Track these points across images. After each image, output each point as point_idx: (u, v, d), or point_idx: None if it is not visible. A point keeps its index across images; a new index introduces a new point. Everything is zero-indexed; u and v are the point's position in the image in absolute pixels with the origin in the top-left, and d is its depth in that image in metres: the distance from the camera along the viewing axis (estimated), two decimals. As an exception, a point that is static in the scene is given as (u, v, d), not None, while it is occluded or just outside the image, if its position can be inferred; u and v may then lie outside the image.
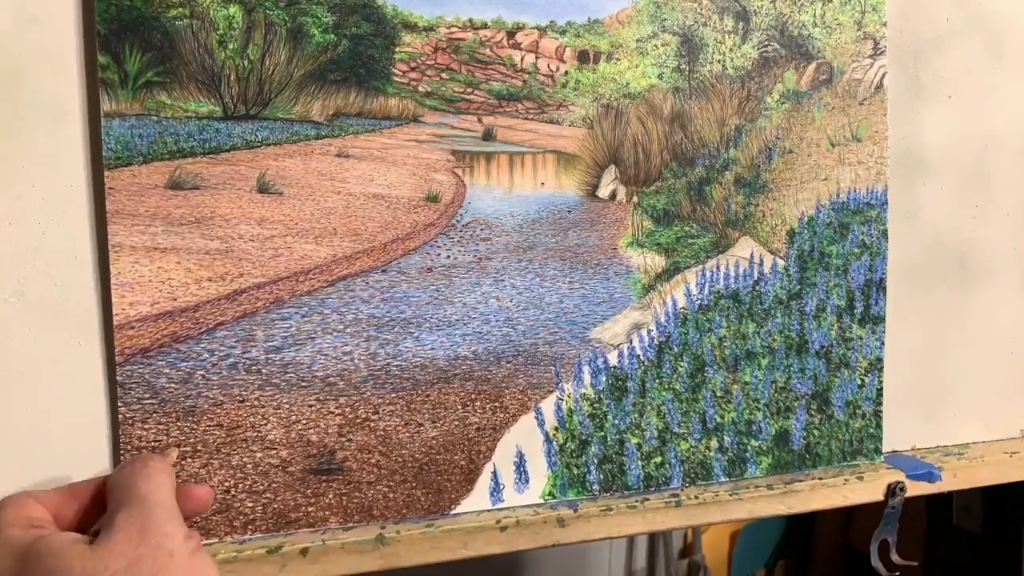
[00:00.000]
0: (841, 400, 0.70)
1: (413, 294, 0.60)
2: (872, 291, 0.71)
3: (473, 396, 0.61)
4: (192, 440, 0.55)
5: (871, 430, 0.71)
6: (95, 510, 0.47)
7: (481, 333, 0.61)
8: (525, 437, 0.62)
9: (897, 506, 0.70)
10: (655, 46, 0.65)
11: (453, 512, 0.60)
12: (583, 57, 0.64)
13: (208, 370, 0.55)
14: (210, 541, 0.55)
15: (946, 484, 0.72)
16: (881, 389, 0.72)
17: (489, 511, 0.61)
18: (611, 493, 0.64)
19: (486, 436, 0.62)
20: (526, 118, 0.63)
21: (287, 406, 0.57)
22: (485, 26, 0.61)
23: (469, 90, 0.62)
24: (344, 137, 0.59)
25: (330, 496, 0.58)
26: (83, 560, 0.41)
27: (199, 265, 0.55)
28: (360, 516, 0.58)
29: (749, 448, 0.68)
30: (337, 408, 0.58)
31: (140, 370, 0.54)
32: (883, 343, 0.71)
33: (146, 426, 0.54)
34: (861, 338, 0.71)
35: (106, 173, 0.53)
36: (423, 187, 0.61)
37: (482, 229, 0.62)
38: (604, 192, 0.65)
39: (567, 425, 0.63)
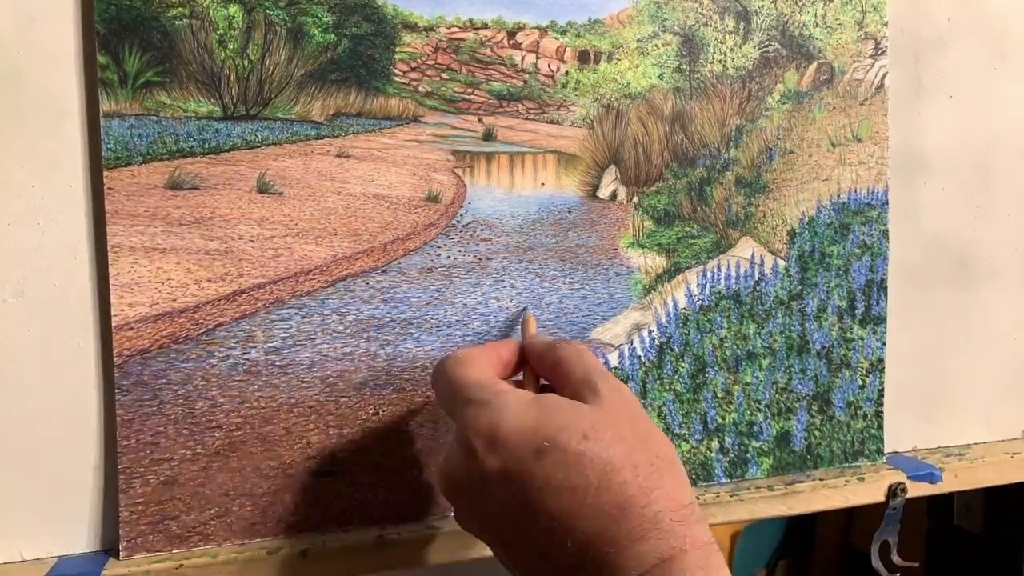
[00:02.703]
0: (842, 401, 0.70)
1: (413, 295, 0.60)
2: (873, 291, 0.71)
3: (473, 397, 0.61)
4: (191, 442, 0.55)
5: (872, 431, 0.71)
6: (507, 371, 0.52)
7: (481, 334, 0.61)
8: (525, 438, 0.62)
9: (898, 507, 0.70)
10: (656, 46, 0.65)
11: (453, 514, 0.60)
12: (584, 57, 0.63)
13: (207, 371, 0.55)
14: (208, 546, 0.55)
15: (947, 485, 0.72)
16: (882, 390, 0.71)
17: (489, 512, 0.61)
18: (612, 494, 0.64)
19: (486, 437, 0.61)
20: (526, 118, 0.63)
21: (287, 407, 0.57)
22: (485, 26, 0.61)
23: (469, 90, 0.62)
24: (344, 137, 0.59)
25: (330, 497, 0.58)
26: (593, 416, 0.44)
27: (198, 266, 0.55)
28: (360, 518, 0.58)
29: (750, 449, 0.67)
30: (337, 409, 0.58)
31: (139, 371, 0.54)
32: (884, 343, 0.71)
33: (145, 427, 0.54)
34: (862, 339, 0.71)
35: (105, 173, 0.53)
36: (423, 187, 0.61)
37: (482, 229, 0.62)
38: (605, 192, 0.65)
39: (568, 426, 0.63)
